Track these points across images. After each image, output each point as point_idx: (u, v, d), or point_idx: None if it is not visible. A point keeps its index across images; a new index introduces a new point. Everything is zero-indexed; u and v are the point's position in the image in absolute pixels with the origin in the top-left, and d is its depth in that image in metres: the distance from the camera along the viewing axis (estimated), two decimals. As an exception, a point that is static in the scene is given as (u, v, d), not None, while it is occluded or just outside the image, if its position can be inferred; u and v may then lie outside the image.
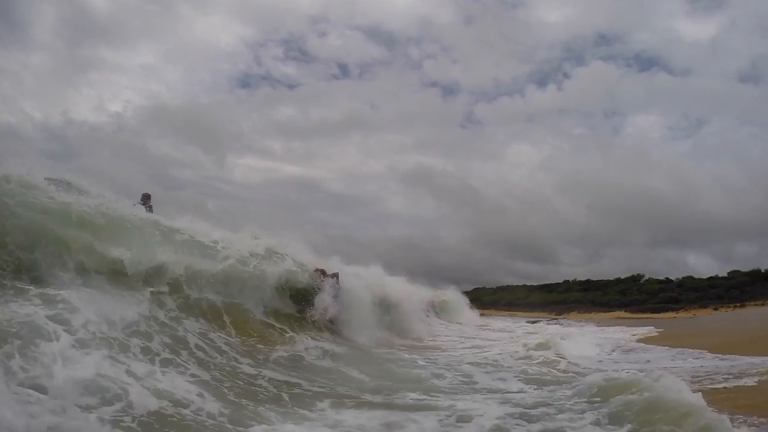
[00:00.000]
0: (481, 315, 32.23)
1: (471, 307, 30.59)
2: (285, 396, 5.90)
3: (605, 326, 26.74)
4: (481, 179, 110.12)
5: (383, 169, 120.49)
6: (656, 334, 20.57)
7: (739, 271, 48.53)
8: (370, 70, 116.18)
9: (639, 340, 17.45)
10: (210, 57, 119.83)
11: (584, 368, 9.53)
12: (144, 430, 4.02)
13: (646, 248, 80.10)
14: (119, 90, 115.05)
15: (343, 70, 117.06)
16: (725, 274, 49.62)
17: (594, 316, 42.52)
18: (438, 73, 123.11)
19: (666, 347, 13.80)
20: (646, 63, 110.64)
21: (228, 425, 4.52)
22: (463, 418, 5.15)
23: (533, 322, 29.45)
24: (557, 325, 25.44)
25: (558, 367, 9.31)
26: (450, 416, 5.23)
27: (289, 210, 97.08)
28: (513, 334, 18.60)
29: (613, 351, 13.75)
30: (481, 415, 5.25)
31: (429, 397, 6.25)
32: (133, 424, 4.03)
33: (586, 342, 14.90)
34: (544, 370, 8.98)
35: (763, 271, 45.80)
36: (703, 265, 74.98)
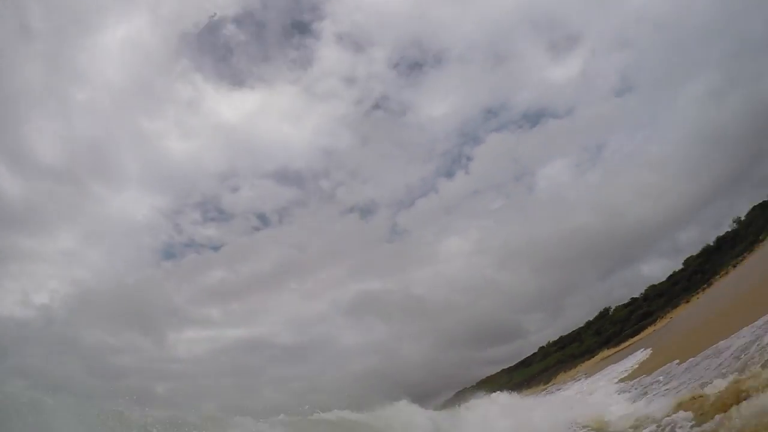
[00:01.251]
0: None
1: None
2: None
3: (598, 373, 23.60)
4: (422, 285, 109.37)
5: (326, 307, 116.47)
6: (649, 356, 18.60)
7: (691, 256, 47.30)
8: (289, 213, 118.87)
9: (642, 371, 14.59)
10: (130, 232, 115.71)
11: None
12: None
13: (600, 282, 79.63)
14: (43, 280, 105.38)
15: (263, 220, 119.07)
16: (681, 266, 48.27)
17: (582, 368, 39.40)
18: (352, 198, 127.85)
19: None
20: (534, 117, 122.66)
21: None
22: None
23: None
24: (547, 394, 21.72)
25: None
26: None
27: (243, 375, 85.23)
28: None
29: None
30: None
31: None
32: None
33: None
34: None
35: (711, 243, 45.29)
36: (658, 268, 74.18)
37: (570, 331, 57.72)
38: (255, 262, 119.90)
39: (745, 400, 5.47)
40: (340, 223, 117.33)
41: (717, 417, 5.62)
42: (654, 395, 10.10)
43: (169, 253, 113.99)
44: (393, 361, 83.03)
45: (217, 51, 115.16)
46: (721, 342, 9.83)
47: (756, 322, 9.22)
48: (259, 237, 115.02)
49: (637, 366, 17.30)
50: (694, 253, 47.05)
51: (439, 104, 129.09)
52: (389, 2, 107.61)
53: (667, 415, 7.36)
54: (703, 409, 6.30)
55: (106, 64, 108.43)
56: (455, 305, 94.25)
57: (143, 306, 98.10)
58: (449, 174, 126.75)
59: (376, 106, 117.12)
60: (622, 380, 15.75)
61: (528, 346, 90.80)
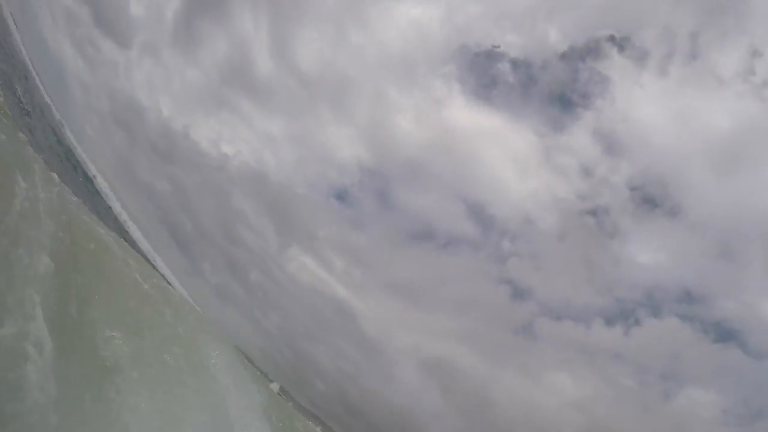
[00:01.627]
0: None
1: None
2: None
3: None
4: (504, 392, 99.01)
5: (407, 345, 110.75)
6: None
7: None
8: (458, 243, 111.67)
9: None
10: (327, 160, 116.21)
11: None
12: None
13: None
14: None
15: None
16: None
17: None
18: (516, 273, 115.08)
19: None
20: (723, 334, 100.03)
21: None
22: None
23: None
24: None
25: None
26: None
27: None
28: None
29: None
30: None
31: None
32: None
33: None
34: None
35: None
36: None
37: None
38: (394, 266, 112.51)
39: None
40: (489, 285, 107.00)
41: None
42: None
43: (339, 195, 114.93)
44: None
45: (484, 77, 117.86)
46: None
47: None
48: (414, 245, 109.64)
49: None
50: None
51: (647, 254, 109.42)
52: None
53: None
54: None
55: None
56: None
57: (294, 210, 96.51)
58: (609, 322, 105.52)
59: (593, 213, 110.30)
60: None
61: None
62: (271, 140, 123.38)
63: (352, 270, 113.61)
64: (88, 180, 44.44)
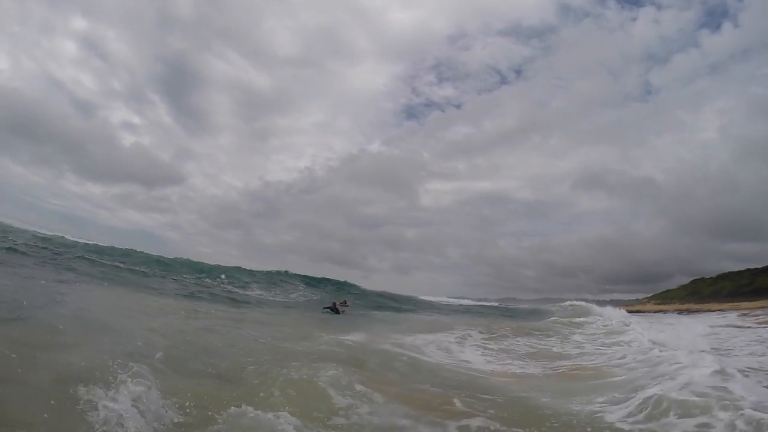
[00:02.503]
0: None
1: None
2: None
3: None
4: (662, 162, 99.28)
5: (569, 166, 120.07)
6: None
7: None
8: (525, 69, 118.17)
9: None
10: (372, 100, 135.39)
11: None
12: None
13: None
14: (302, 148, 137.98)
15: (500, 77, 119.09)
16: None
17: None
18: (599, 52, 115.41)
19: None
20: None
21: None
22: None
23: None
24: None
25: None
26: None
27: (482, 226, 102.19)
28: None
29: None
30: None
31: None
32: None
33: None
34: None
35: None
36: None
37: None
38: (497, 117, 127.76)
39: None
40: (581, 80, 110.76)
41: None
42: None
43: (410, 114, 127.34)
44: (624, 235, 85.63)
45: None
46: None
47: None
48: (499, 94, 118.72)
49: None
50: None
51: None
52: None
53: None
54: None
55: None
56: (693, 194, 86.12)
57: (391, 162, 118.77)
58: (711, 25, 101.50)
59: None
60: None
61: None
62: (321, 128, 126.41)
63: (474, 161, 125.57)
64: None
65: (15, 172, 78.82)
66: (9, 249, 15.49)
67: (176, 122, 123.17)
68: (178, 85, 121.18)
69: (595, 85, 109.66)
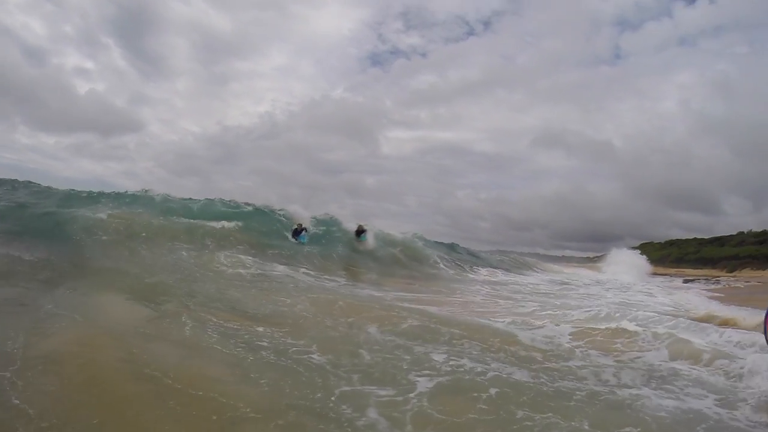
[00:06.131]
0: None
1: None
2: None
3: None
4: (621, 127, 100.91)
5: (531, 122, 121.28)
6: None
7: None
8: (494, 22, 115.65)
9: None
10: (336, 45, 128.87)
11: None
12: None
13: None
14: (262, 93, 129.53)
15: (468, 28, 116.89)
16: None
17: (768, 274, 37.18)
18: (571, 11, 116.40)
19: None
20: None
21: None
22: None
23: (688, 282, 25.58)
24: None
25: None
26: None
27: (441, 176, 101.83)
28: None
29: None
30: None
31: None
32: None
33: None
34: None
35: None
36: None
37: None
38: (463, 68, 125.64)
39: None
40: (551, 38, 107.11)
41: None
42: None
43: (375, 61, 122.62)
44: (580, 195, 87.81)
45: None
46: None
47: None
48: (466, 45, 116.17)
49: None
50: None
51: None
52: None
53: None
54: None
55: None
56: (649, 163, 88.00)
57: (354, 109, 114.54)
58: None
59: None
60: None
61: (722, 227, 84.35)
62: (283, 72, 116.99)
63: (437, 110, 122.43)
64: None
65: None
66: None
67: (132, 67, 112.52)
68: (134, 27, 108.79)
69: (565, 44, 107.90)
